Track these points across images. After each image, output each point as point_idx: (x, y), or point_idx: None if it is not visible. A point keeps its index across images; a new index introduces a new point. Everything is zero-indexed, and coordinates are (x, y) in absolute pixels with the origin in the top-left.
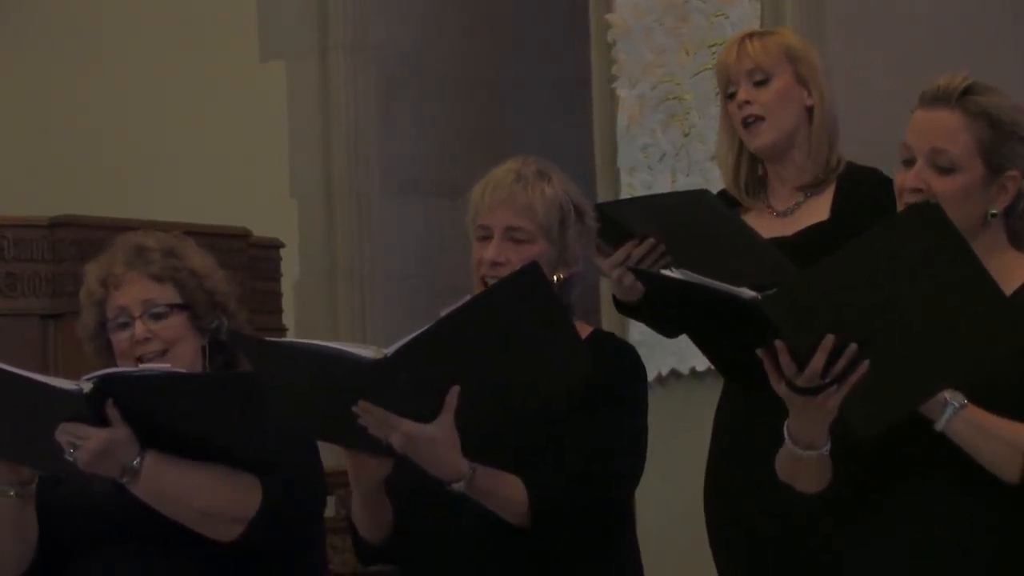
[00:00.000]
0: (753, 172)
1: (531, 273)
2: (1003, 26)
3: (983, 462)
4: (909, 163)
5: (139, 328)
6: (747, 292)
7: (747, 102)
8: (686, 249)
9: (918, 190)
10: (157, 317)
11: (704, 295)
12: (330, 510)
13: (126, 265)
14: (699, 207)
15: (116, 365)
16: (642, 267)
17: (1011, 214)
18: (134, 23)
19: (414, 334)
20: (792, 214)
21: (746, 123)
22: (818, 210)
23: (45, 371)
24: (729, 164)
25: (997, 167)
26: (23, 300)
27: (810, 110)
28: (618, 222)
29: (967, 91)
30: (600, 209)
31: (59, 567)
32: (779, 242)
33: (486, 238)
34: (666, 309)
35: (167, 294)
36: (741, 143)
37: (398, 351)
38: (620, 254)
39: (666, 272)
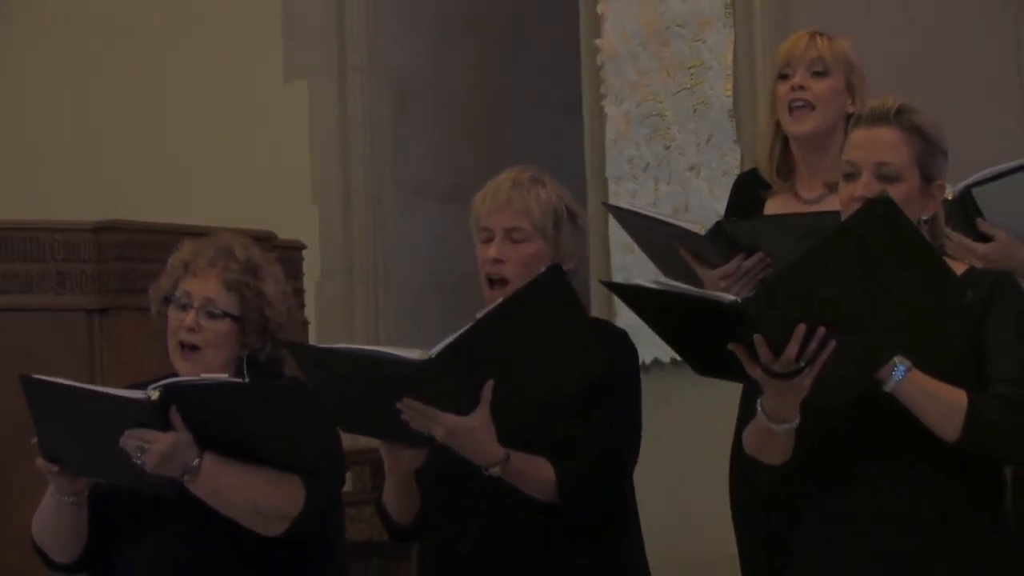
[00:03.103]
0: (786, 158)
1: (553, 274)
2: (967, 28)
3: (926, 421)
4: (851, 177)
5: (190, 317)
6: (727, 297)
7: (801, 87)
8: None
9: (866, 199)
10: (210, 316)
11: (685, 302)
12: (348, 485)
13: (208, 261)
14: (813, 226)
15: (168, 333)
16: (746, 276)
17: (931, 222)
18: (176, 50)
19: (453, 336)
20: (818, 203)
21: (792, 106)
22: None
23: (91, 361)
24: (766, 146)
25: (929, 177)
26: (71, 297)
27: (849, 117)
28: (734, 236)
29: (900, 110)
30: (720, 225)
31: (107, 547)
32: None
33: (488, 240)
34: (647, 319)
35: (228, 302)
36: (777, 127)
37: (441, 352)
38: (730, 266)
39: (647, 284)
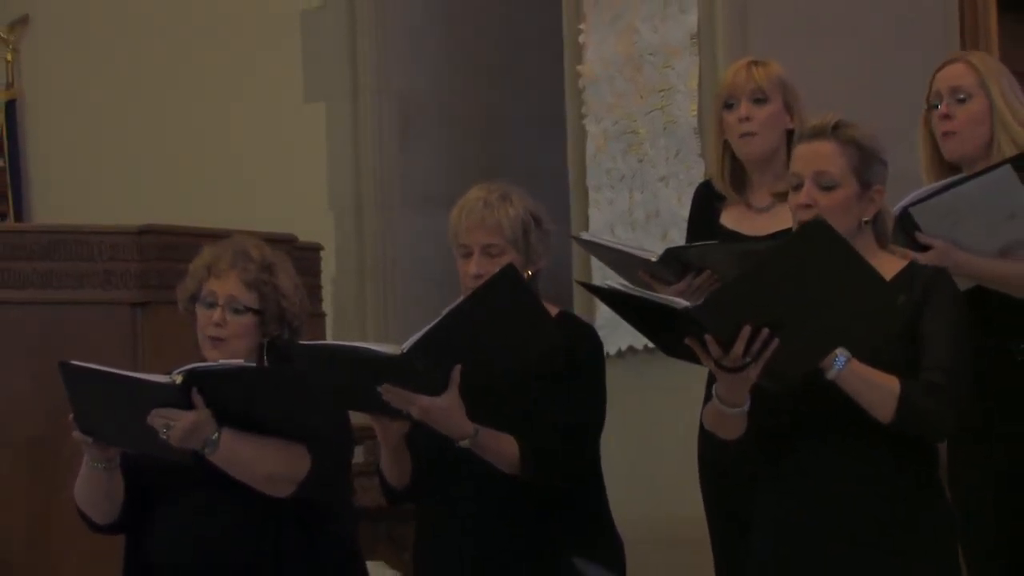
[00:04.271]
0: (735, 171)
1: (507, 273)
2: (904, 54)
3: (864, 404)
4: (797, 187)
5: (218, 314)
6: (679, 302)
7: (747, 118)
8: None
9: (808, 205)
10: (235, 311)
11: (647, 304)
12: (359, 457)
13: (229, 263)
14: (752, 252)
15: (197, 328)
16: (696, 292)
17: (876, 222)
18: (210, 75)
19: (423, 331)
20: (767, 211)
21: (741, 134)
22: (783, 216)
23: (134, 348)
24: (717, 165)
25: (866, 183)
26: (116, 292)
27: (790, 132)
28: (683, 260)
29: (837, 126)
30: (669, 251)
31: (141, 513)
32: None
33: (467, 255)
34: (620, 313)
35: (249, 298)
36: (725, 145)
37: (412, 347)
38: (682, 284)
39: (618, 287)
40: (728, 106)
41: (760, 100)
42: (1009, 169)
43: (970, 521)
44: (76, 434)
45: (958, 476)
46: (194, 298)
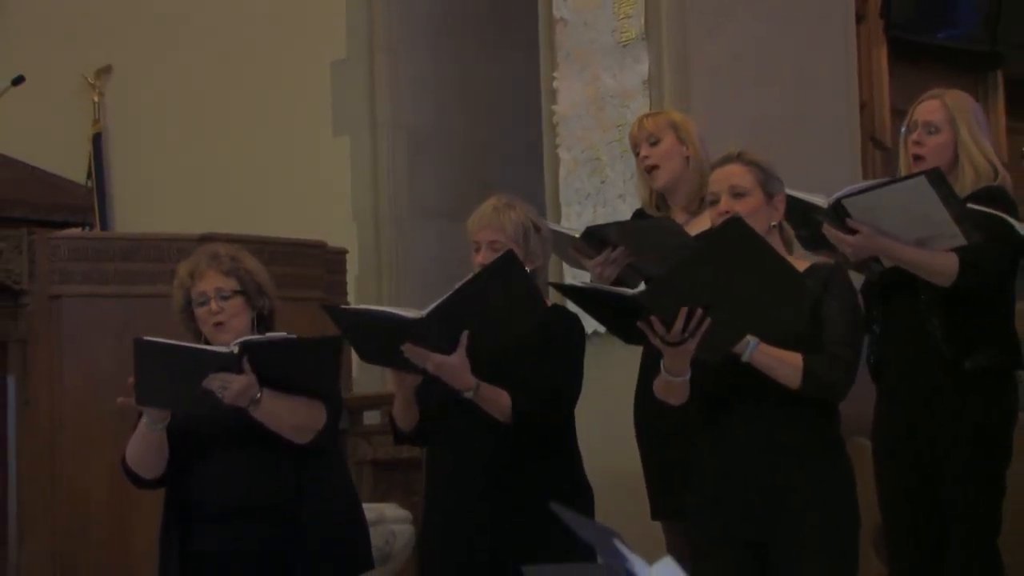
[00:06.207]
0: (658, 199)
1: (508, 257)
2: (815, 100)
3: (775, 376)
4: (714, 203)
5: (214, 305)
6: (628, 291)
7: (646, 156)
8: (644, 253)
9: (726, 212)
10: (224, 299)
11: (601, 295)
12: (376, 419)
13: (206, 264)
14: (657, 228)
15: (198, 332)
16: (613, 264)
17: (782, 229)
18: (259, 113)
19: (438, 301)
20: (686, 224)
21: (648, 170)
22: (701, 226)
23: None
24: (644, 195)
25: (770, 194)
26: None
27: (687, 159)
28: (601, 237)
29: (740, 154)
30: (589, 229)
31: (178, 469)
32: (648, 221)
33: (478, 249)
34: (583, 307)
35: (231, 284)
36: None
37: (430, 313)
38: (601, 257)
39: (577, 284)
40: (636, 154)
41: (654, 142)
42: (924, 181)
43: (886, 469)
44: (122, 400)
45: (881, 431)
46: (188, 305)
